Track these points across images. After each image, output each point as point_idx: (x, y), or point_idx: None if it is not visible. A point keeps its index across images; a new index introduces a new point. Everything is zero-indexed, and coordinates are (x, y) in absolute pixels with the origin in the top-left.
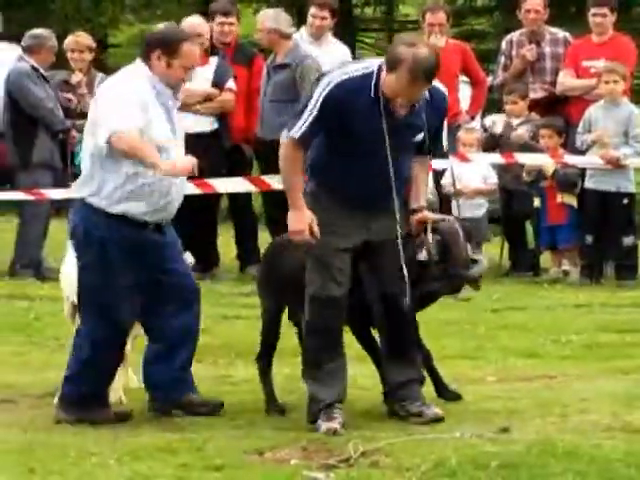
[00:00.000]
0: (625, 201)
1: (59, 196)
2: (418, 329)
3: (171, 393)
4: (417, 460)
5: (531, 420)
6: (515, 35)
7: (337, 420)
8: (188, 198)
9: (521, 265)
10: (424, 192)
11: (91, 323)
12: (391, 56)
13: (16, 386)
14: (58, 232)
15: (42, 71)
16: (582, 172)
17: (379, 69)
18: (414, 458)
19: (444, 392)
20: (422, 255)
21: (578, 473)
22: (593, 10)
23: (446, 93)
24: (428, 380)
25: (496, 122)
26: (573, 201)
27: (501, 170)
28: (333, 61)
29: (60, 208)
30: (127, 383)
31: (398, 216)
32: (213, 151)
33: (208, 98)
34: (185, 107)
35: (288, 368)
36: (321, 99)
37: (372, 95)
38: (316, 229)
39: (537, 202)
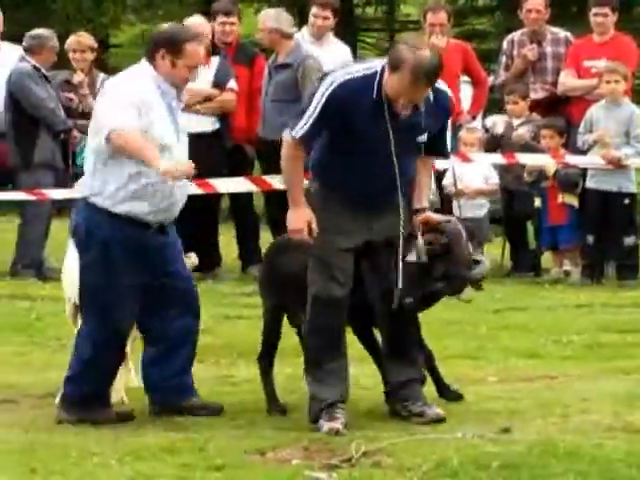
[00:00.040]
0: (626, 201)
1: (60, 196)
2: (420, 329)
3: (170, 397)
4: (419, 460)
5: (532, 420)
6: (516, 35)
7: (339, 420)
8: (189, 198)
9: (522, 265)
10: (427, 193)
11: (92, 323)
12: (394, 57)
13: (17, 386)
14: (59, 232)
15: (43, 71)
16: (583, 172)
17: (382, 69)
18: (416, 458)
19: (446, 392)
20: (411, 256)
21: (579, 473)
22: (594, 10)
23: (450, 93)
24: (429, 380)
25: (497, 123)
26: (574, 201)
27: (502, 170)
28: (334, 61)
29: (61, 208)
30: (127, 383)
31: (402, 216)
32: (214, 151)
33: (209, 98)
34: (186, 107)
35: (290, 368)
36: (324, 99)
37: (375, 95)
38: (315, 228)
39: (538, 202)
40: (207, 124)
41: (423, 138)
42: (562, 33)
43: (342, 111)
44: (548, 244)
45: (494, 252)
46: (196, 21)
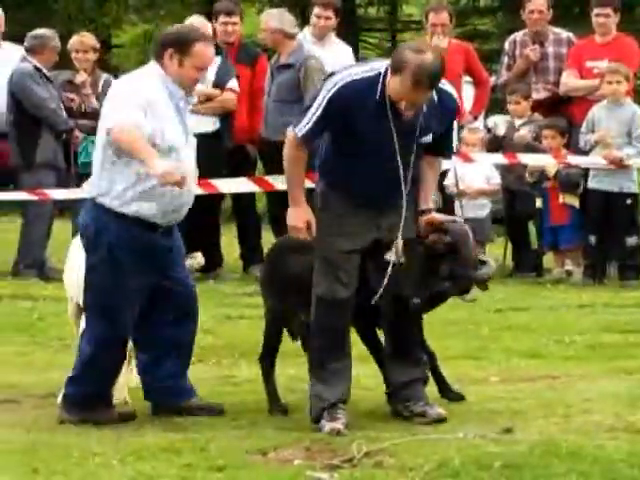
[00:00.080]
0: (628, 201)
1: (62, 196)
2: (422, 329)
3: (167, 398)
4: (420, 460)
5: (534, 420)
6: (518, 35)
7: (340, 420)
8: None
9: (524, 266)
10: (432, 194)
11: (96, 323)
12: (396, 59)
13: (19, 386)
14: (61, 232)
15: (45, 71)
16: (585, 172)
17: (386, 71)
18: (417, 458)
19: (447, 392)
20: (390, 255)
21: (581, 473)
22: (596, 10)
23: (455, 94)
24: (431, 380)
25: (498, 124)
26: (575, 202)
27: (504, 170)
28: (336, 61)
29: (63, 208)
30: (128, 383)
31: (404, 216)
32: (214, 152)
33: (209, 98)
34: None
35: (292, 369)
36: (327, 99)
37: (378, 97)
38: (314, 226)
39: (539, 203)
40: (208, 124)
41: (427, 139)
42: (564, 34)
43: (345, 112)
44: (549, 244)
45: (496, 252)
46: (196, 21)
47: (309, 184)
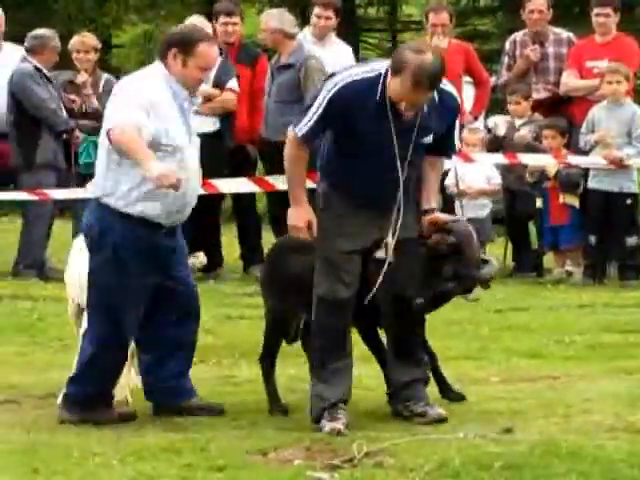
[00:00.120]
0: (628, 201)
1: (62, 196)
2: (424, 329)
3: (168, 398)
4: (421, 460)
5: (534, 421)
6: (519, 35)
7: (341, 420)
8: None
9: (524, 266)
10: (435, 193)
11: (98, 323)
12: (396, 60)
13: (19, 386)
14: (61, 232)
15: (45, 71)
16: (585, 172)
17: (386, 72)
18: (418, 458)
19: (448, 392)
20: (380, 253)
21: (581, 474)
22: (596, 10)
23: (456, 94)
24: (432, 380)
25: (498, 124)
26: (575, 202)
27: (504, 170)
28: (337, 61)
29: (64, 208)
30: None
31: (400, 215)
32: (215, 152)
33: (209, 98)
34: None
35: (293, 369)
36: (327, 99)
37: (379, 97)
38: (315, 226)
39: (539, 203)
40: (208, 125)
41: (428, 139)
42: (564, 34)
43: (345, 112)
44: (549, 244)
45: (496, 252)
46: (196, 21)
47: (310, 184)
